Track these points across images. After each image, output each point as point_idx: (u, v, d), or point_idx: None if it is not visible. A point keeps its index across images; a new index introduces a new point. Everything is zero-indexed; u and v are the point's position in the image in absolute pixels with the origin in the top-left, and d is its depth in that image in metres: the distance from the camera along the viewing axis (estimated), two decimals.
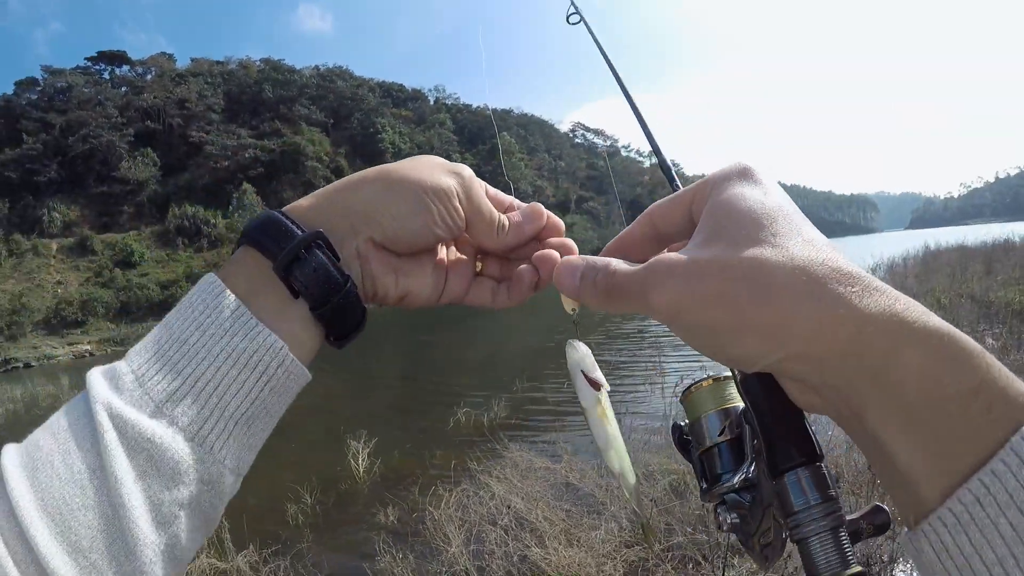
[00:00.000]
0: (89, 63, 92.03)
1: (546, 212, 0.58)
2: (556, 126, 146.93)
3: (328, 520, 5.88)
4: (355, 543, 5.35)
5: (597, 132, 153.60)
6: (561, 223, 0.59)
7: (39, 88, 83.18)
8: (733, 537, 0.45)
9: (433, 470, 6.59)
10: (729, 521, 0.49)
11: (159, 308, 56.15)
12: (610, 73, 0.75)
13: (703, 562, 3.74)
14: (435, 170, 0.52)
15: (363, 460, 6.81)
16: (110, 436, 0.40)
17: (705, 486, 0.52)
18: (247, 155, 79.46)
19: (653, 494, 4.44)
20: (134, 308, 55.85)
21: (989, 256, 17.18)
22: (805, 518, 0.41)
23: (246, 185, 72.81)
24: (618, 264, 0.46)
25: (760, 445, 0.45)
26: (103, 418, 0.40)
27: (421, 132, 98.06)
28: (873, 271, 17.57)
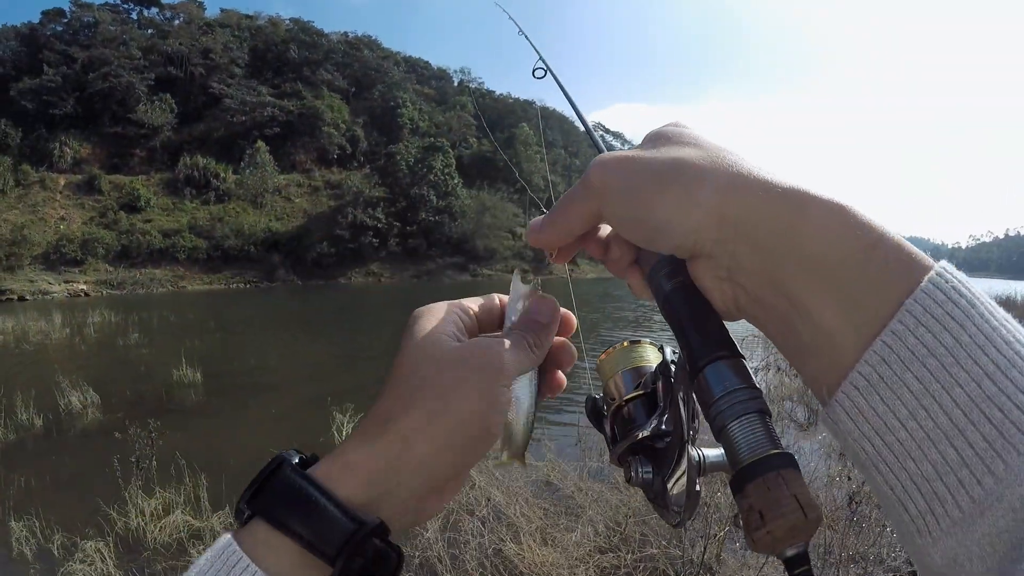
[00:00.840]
0: (118, 1, 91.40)
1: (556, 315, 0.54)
2: (576, 124, 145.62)
3: None
4: None
5: (616, 135, 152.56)
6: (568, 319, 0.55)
7: (65, 20, 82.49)
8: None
9: None
10: (641, 475, 0.47)
11: (159, 256, 56.72)
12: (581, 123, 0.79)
13: None
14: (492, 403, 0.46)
15: (347, 432, 6.91)
16: None
17: (613, 445, 0.51)
18: (265, 113, 79.06)
19: (632, 504, 4.43)
20: (134, 253, 56.10)
21: None
22: (725, 403, 0.39)
23: (260, 143, 72.55)
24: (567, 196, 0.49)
25: (678, 368, 0.46)
26: None
27: (441, 112, 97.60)
28: None
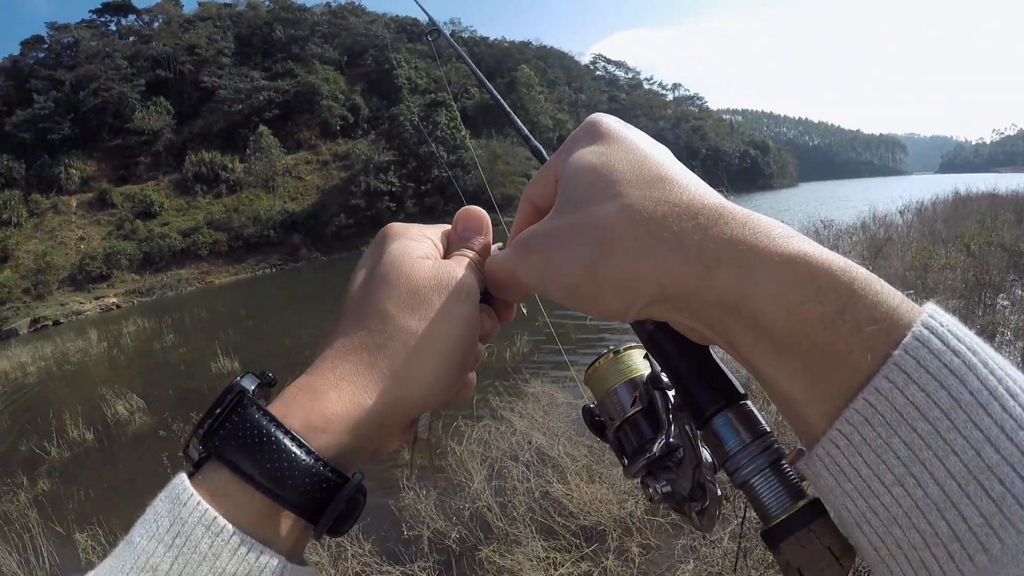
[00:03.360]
0: (94, 16, 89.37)
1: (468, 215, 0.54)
2: (576, 58, 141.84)
3: None
4: (379, 480, 5.32)
5: (619, 64, 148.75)
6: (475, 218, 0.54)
7: (45, 46, 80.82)
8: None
9: (455, 406, 6.49)
10: (660, 491, 0.47)
11: (181, 256, 56.12)
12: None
13: (725, 501, 3.48)
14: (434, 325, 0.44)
15: None
16: None
17: (627, 462, 0.50)
18: (261, 97, 77.17)
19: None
20: (157, 258, 55.35)
21: (1021, 205, 16.39)
22: (743, 459, 0.38)
23: (262, 128, 71.00)
24: (492, 258, 0.48)
25: (678, 400, 0.44)
26: None
27: (438, 67, 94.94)
28: (902, 213, 16.77)
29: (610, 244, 0.37)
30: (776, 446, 0.38)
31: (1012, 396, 0.29)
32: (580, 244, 0.39)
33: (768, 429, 0.39)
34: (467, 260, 0.49)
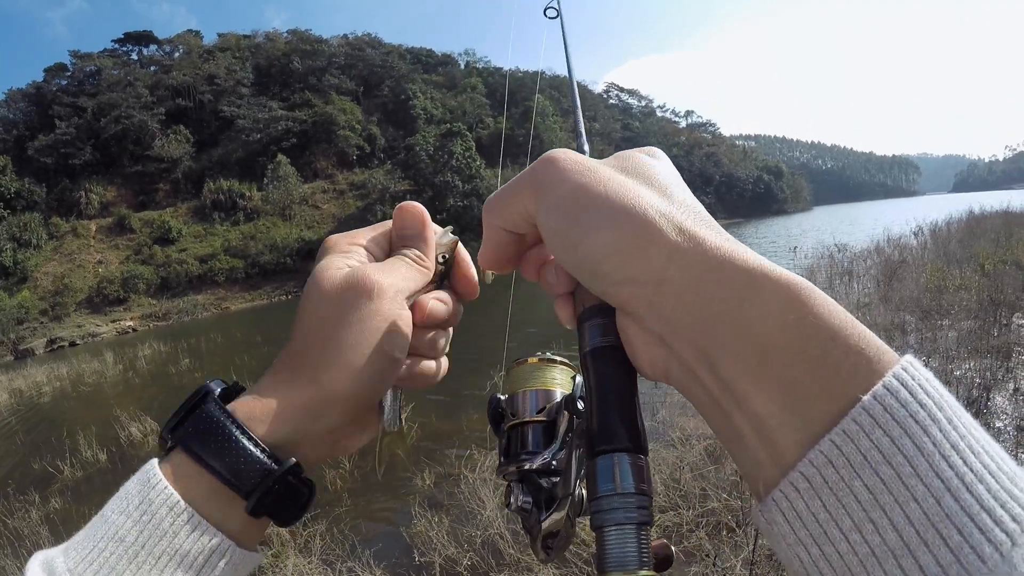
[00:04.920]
0: (116, 45, 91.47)
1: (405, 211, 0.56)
2: (590, 87, 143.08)
3: (366, 485, 6.04)
4: (392, 507, 5.41)
5: (631, 92, 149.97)
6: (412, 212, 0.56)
7: (68, 73, 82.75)
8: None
9: (469, 433, 6.62)
10: (520, 503, 0.46)
11: (198, 282, 56.56)
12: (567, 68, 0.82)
13: (736, 529, 3.68)
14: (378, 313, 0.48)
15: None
16: None
17: (503, 460, 0.49)
18: (279, 127, 78.31)
19: (689, 459, 4.40)
20: (174, 283, 55.84)
21: None
22: (608, 505, 0.37)
23: (280, 156, 71.75)
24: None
25: (581, 428, 0.43)
26: None
27: (452, 97, 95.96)
28: (916, 235, 16.87)
29: (651, 221, 0.37)
30: (648, 510, 0.37)
31: (973, 452, 0.29)
32: (622, 200, 0.39)
33: (648, 492, 0.38)
34: (399, 260, 0.52)
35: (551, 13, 0.91)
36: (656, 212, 0.37)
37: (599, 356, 0.42)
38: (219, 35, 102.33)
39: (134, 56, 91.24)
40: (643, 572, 0.35)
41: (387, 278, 0.49)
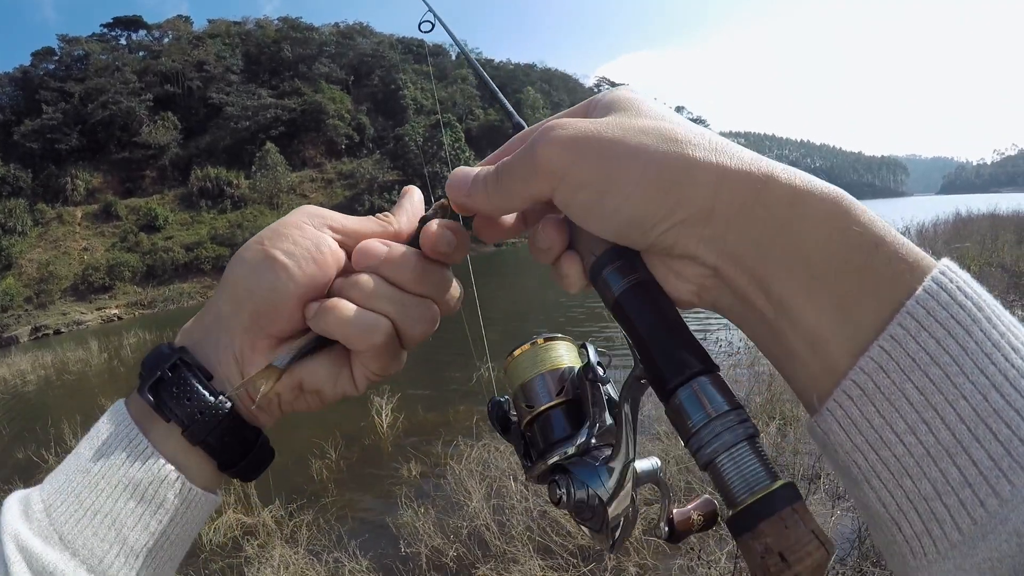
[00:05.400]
0: (105, 30, 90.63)
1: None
2: (581, 81, 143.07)
3: (352, 475, 6.04)
4: (378, 497, 5.42)
5: (623, 87, 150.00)
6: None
7: (56, 58, 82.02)
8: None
9: (455, 425, 6.65)
10: (575, 497, 0.42)
11: (184, 270, 56.37)
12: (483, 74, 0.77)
13: (722, 522, 2.78)
14: (280, 223, 0.49)
15: (386, 416, 6.84)
16: (18, 568, 0.40)
17: (530, 463, 0.46)
18: (268, 115, 77.99)
19: (674, 452, 4.40)
20: (160, 271, 55.69)
21: (1021, 226, 16.37)
22: (711, 434, 0.35)
23: (269, 144, 71.41)
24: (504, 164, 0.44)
25: (639, 374, 0.40)
26: (11, 550, 0.40)
27: (443, 88, 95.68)
28: (903, 235, 17.20)
29: (673, 137, 0.37)
30: (748, 421, 0.35)
31: (1014, 350, 0.30)
32: (636, 131, 0.38)
33: (741, 404, 0.36)
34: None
35: (425, 27, 0.89)
36: (689, 146, 0.36)
37: (635, 294, 0.40)
38: (209, 21, 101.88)
39: (123, 41, 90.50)
40: (779, 483, 0.33)
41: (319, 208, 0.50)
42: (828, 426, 0.33)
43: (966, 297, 0.31)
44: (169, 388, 0.45)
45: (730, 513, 0.34)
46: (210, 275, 56.74)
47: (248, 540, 4.45)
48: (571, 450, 0.43)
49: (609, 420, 0.43)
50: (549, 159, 0.39)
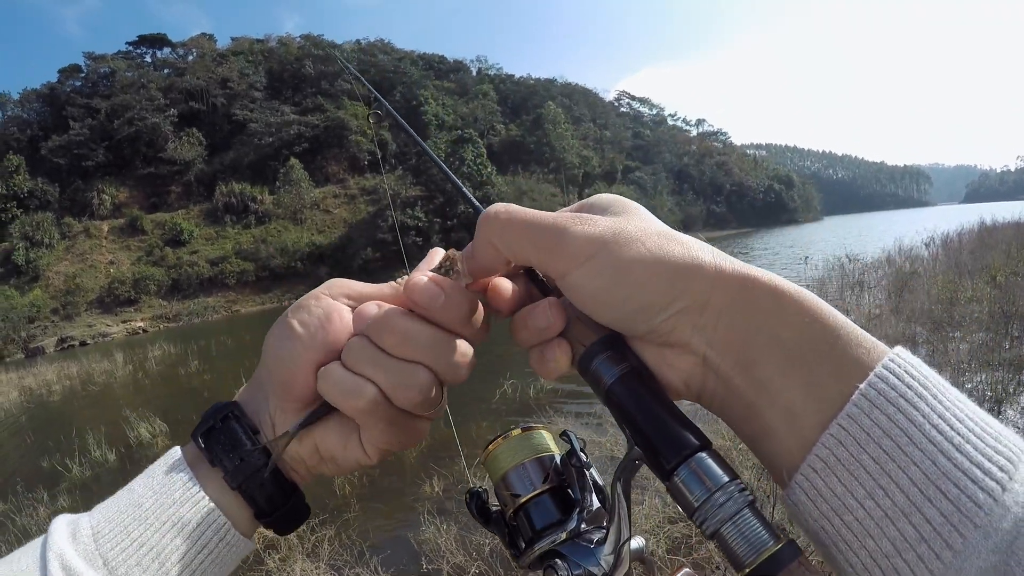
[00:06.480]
0: (130, 47, 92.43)
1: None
2: (601, 95, 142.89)
3: (375, 491, 6.05)
4: (400, 513, 5.41)
5: (643, 100, 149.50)
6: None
7: (82, 75, 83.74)
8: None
9: (478, 441, 6.57)
10: None
11: (209, 284, 57.12)
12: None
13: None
14: (306, 295, 0.52)
15: None
16: None
17: (520, 551, 0.46)
18: (291, 131, 78.97)
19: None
20: (185, 285, 56.50)
21: None
22: (713, 506, 0.37)
23: (293, 160, 72.19)
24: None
25: (636, 454, 0.42)
26: (55, 567, 0.42)
27: (464, 103, 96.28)
28: (927, 245, 16.58)
29: (678, 237, 0.42)
30: (746, 490, 0.38)
31: (958, 420, 0.34)
32: (650, 233, 0.42)
33: (736, 474, 0.38)
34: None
35: (374, 118, 0.79)
36: (692, 247, 0.42)
37: (627, 381, 0.42)
38: (232, 39, 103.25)
39: (148, 59, 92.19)
40: (782, 542, 0.35)
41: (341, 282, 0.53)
42: (797, 497, 0.37)
43: (912, 379, 0.36)
44: (218, 436, 0.49)
45: (749, 570, 0.35)
46: (234, 289, 57.56)
47: (269, 554, 4.43)
48: (563, 535, 0.44)
49: (596, 503, 0.45)
50: (585, 236, 0.42)
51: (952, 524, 0.32)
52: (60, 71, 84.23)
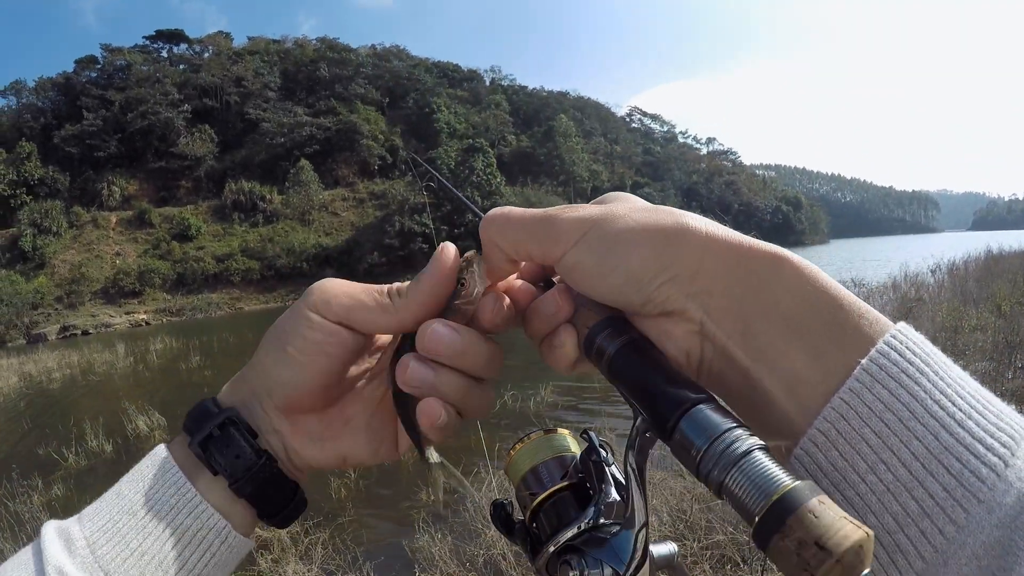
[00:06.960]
0: (147, 42, 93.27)
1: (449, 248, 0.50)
2: (613, 110, 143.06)
3: (370, 496, 6.06)
4: (395, 520, 5.40)
5: (654, 117, 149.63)
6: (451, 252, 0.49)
7: (98, 66, 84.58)
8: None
9: (476, 450, 6.19)
10: (589, 575, 0.41)
11: (214, 280, 57.27)
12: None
13: (742, 564, 3.57)
14: (292, 314, 0.52)
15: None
16: None
17: (540, 550, 0.45)
18: (303, 132, 79.40)
19: (696, 490, 4.20)
20: (190, 280, 56.77)
21: None
22: (714, 453, 0.34)
23: (303, 161, 72.65)
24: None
25: (642, 422, 0.40)
26: None
27: (476, 113, 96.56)
28: (933, 272, 16.52)
29: (683, 227, 0.41)
30: (755, 435, 0.35)
31: (960, 396, 0.34)
32: (652, 221, 0.42)
33: (741, 421, 0.36)
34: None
35: (428, 192, 0.74)
36: (683, 216, 0.42)
37: (627, 351, 0.42)
38: (249, 38, 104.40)
39: (164, 53, 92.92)
40: (796, 483, 0.31)
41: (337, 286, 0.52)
42: (796, 472, 0.35)
43: (914, 355, 0.35)
44: (218, 444, 0.48)
45: (761, 515, 0.31)
46: (239, 287, 57.77)
47: (262, 554, 4.40)
48: (578, 529, 0.43)
49: (615, 496, 0.43)
50: (590, 215, 0.43)
51: (955, 498, 0.32)
52: (76, 61, 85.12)
